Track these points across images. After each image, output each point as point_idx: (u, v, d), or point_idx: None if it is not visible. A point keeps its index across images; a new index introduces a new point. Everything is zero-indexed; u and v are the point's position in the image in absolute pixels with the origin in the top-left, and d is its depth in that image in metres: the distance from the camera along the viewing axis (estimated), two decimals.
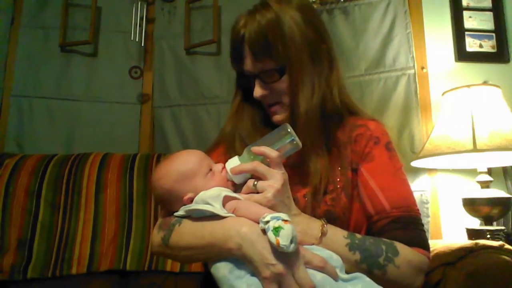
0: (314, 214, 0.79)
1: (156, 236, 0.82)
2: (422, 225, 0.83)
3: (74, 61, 1.92)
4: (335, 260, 0.69)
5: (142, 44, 1.94)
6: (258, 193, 0.73)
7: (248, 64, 0.86)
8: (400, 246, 0.76)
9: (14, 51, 1.88)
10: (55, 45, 1.89)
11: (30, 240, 1.39)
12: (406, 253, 0.76)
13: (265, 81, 0.86)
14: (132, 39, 1.91)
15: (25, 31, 1.90)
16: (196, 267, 1.35)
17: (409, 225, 0.81)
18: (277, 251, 0.64)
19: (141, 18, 1.95)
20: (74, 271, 1.37)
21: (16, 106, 1.85)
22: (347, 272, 0.69)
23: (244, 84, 0.92)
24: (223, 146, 0.94)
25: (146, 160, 1.56)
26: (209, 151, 0.95)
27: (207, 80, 1.91)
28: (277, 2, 0.85)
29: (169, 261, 1.39)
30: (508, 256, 0.92)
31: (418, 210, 0.84)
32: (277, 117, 0.89)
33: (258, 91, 0.86)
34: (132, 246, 1.41)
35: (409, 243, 0.78)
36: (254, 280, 0.66)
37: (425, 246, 0.80)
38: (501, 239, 1.32)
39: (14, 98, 1.85)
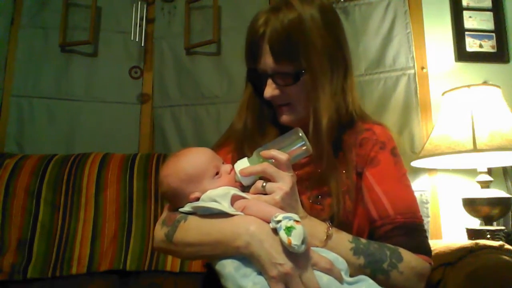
0: (319, 216, 0.78)
1: (159, 231, 0.81)
2: (425, 231, 0.84)
3: (74, 61, 1.92)
4: (340, 263, 0.70)
5: (142, 44, 1.94)
6: (266, 194, 0.72)
7: (264, 63, 0.84)
8: (404, 252, 0.77)
9: (14, 51, 1.88)
10: (55, 45, 1.89)
11: (30, 240, 1.39)
12: (410, 259, 0.76)
13: (278, 83, 0.84)
14: (132, 39, 1.91)
15: (25, 31, 1.90)
16: (196, 267, 1.35)
17: (413, 232, 0.81)
18: (285, 251, 0.64)
19: (141, 18, 1.94)
20: (74, 271, 1.37)
21: (16, 106, 1.85)
22: (350, 276, 0.70)
23: (254, 80, 0.90)
24: (232, 143, 0.93)
25: (146, 160, 1.56)
26: (218, 147, 0.94)
27: (207, 80, 1.91)
28: (300, 1, 0.83)
29: (169, 261, 1.39)
30: (508, 256, 0.92)
31: (421, 216, 0.84)
32: (285, 118, 0.88)
33: (268, 92, 0.85)
34: (132, 246, 1.41)
35: (413, 250, 0.78)
36: (261, 279, 0.66)
37: (428, 253, 0.81)
38: (501, 239, 1.32)
39: (14, 98, 1.85)
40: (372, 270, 0.73)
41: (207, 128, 1.87)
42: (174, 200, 0.81)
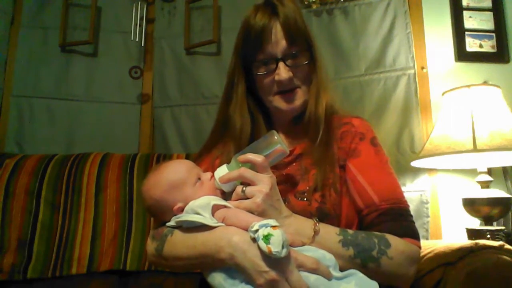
0: (306, 212, 0.79)
1: (150, 246, 0.83)
2: (411, 216, 0.85)
3: (74, 61, 1.92)
4: (328, 259, 0.70)
5: (142, 44, 1.94)
6: (247, 198, 0.73)
7: (276, 47, 0.87)
8: (391, 238, 0.78)
9: (14, 51, 1.88)
10: (55, 45, 1.90)
11: (30, 240, 1.39)
12: (397, 244, 0.78)
13: (290, 65, 0.87)
14: (132, 39, 1.91)
15: (25, 31, 1.90)
16: None
17: (399, 217, 0.82)
18: (269, 258, 0.64)
19: (141, 18, 1.94)
20: (74, 271, 1.37)
21: (16, 106, 1.85)
22: (341, 269, 0.70)
23: (258, 70, 0.90)
24: (227, 143, 0.94)
25: (146, 160, 1.56)
26: (201, 154, 0.97)
27: (207, 80, 1.91)
28: None
29: None
30: (508, 256, 0.91)
31: (406, 202, 0.86)
32: (296, 103, 0.90)
33: (285, 73, 0.87)
34: (132, 246, 1.41)
35: (400, 234, 0.79)
36: (249, 287, 0.66)
37: (415, 236, 0.82)
38: (501, 239, 1.32)
39: (14, 98, 1.85)
40: (362, 259, 0.74)
41: (207, 128, 1.83)
42: (159, 213, 0.82)
